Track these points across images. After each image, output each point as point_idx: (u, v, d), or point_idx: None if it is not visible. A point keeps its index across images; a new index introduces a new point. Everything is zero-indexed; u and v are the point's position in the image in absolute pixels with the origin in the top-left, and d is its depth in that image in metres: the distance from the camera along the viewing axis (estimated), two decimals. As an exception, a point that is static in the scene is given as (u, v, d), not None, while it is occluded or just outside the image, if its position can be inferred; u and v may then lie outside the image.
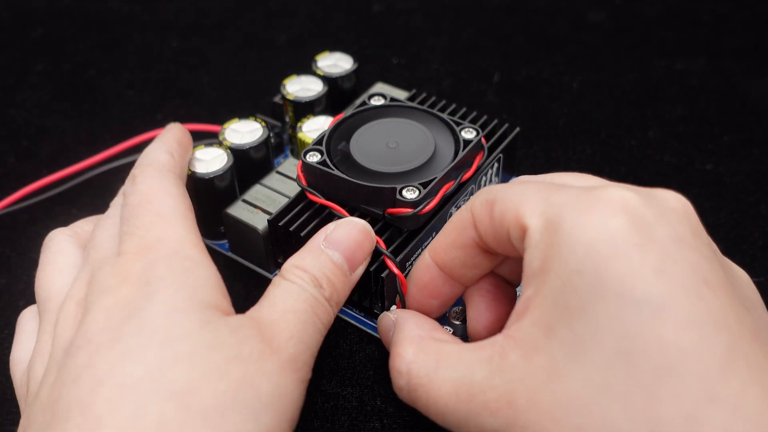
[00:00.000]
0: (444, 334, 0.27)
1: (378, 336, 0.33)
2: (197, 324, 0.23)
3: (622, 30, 0.53)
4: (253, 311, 0.26)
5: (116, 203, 0.30)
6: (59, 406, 0.22)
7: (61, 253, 0.29)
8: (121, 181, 0.41)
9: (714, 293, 0.20)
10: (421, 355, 0.25)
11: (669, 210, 0.22)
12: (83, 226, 0.31)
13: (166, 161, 0.30)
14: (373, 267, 0.30)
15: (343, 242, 0.28)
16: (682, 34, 0.52)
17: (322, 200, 0.32)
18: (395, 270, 0.30)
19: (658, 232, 0.21)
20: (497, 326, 0.28)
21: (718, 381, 0.19)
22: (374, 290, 0.31)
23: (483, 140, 0.34)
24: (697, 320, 0.20)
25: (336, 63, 0.41)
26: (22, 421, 0.25)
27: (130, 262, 0.25)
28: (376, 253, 0.30)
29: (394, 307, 0.31)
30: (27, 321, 0.29)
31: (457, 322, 0.32)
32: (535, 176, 0.28)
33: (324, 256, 0.27)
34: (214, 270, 0.26)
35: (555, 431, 0.20)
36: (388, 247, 0.31)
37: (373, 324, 0.33)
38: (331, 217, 0.32)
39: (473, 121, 0.37)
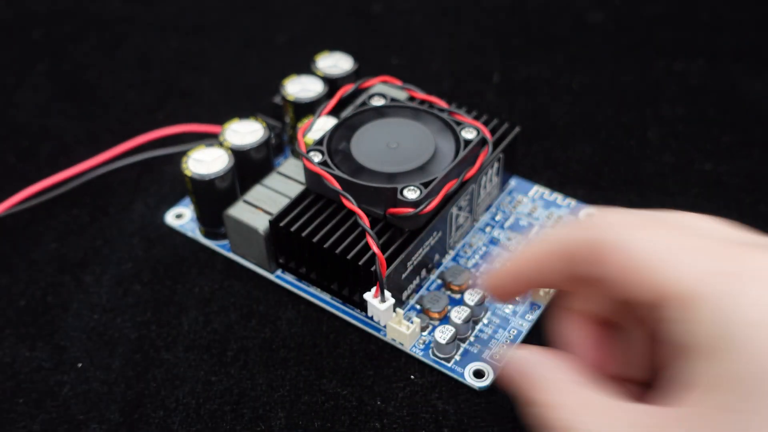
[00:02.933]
0: (587, 377, 0.23)
1: (381, 335, 0.33)
2: None
3: (622, 30, 0.53)
4: None
5: None
6: None
7: None
8: (122, 181, 0.41)
9: None
10: (565, 405, 0.22)
11: None
12: None
13: None
14: (374, 267, 0.30)
15: None
16: (682, 34, 0.52)
17: (319, 170, 0.32)
18: (375, 248, 0.29)
19: None
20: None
21: None
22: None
23: (489, 135, 0.34)
24: None
25: (336, 63, 0.41)
26: None
27: None
28: (371, 253, 0.30)
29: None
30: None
31: (459, 321, 0.32)
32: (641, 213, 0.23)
33: None
34: None
35: None
36: (388, 248, 0.31)
37: (373, 324, 0.33)
38: (330, 219, 0.32)
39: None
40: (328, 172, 0.32)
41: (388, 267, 0.31)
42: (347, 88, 0.36)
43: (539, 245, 0.24)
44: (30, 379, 0.32)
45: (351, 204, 0.31)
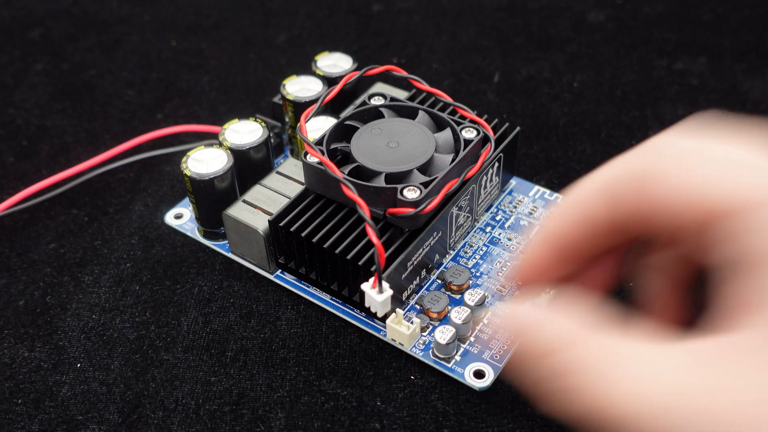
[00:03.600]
0: (609, 318, 0.21)
1: (382, 336, 0.33)
2: None
3: (622, 30, 0.53)
4: None
5: None
6: None
7: None
8: (122, 181, 0.41)
9: None
10: (592, 348, 0.19)
11: None
12: None
13: None
14: (374, 267, 0.30)
15: None
16: (682, 34, 0.52)
17: (322, 157, 0.31)
18: (374, 239, 0.29)
19: None
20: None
21: None
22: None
23: (491, 132, 0.34)
24: None
25: (336, 63, 0.41)
26: None
27: None
28: (371, 253, 0.30)
29: (386, 288, 0.30)
30: None
31: (454, 326, 0.32)
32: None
33: None
34: None
35: None
36: (388, 248, 0.31)
37: (374, 324, 0.33)
38: (330, 219, 0.32)
39: (473, 121, 0.37)
40: (327, 172, 0.32)
41: (387, 267, 0.31)
42: (352, 76, 0.35)
43: (584, 190, 0.22)
44: (29, 380, 0.32)
45: (351, 193, 0.30)
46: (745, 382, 0.17)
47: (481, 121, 0.35)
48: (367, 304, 0.31)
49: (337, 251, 0.31)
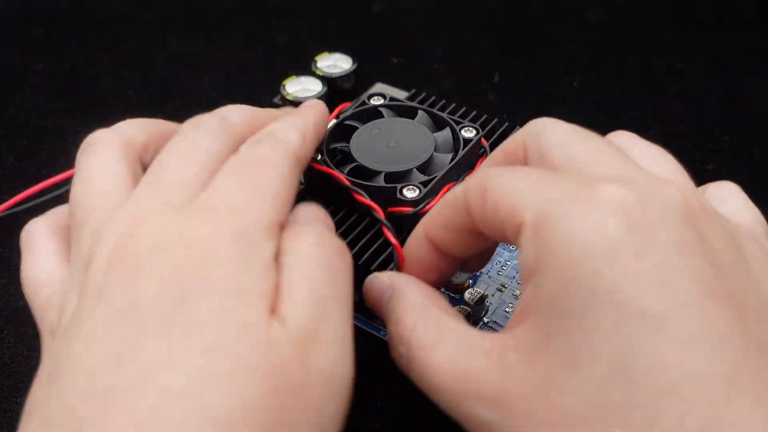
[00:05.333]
0: (447, 305, 0.25)
1: (381, 336, 0.33)
2: (237, 332, 0.20)
3: (622, 30, 0.53)
4: (281, 309, 0.22)
5: (215, 127, 0.26)
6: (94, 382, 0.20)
7: (107, 168, 0.25)
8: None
9: (719, 304, 0.19)
10: (423, 325, 0.24)
11: (672, 211, 0.20)
12: (134, 134, 0.27)
13: (295, 143, 0.26)
14: (374, 266, 0.30)
15: (310, 213, 0.26)
16: (682, 34, 0.52)
17: (326, 168, 0.32)
18: (393, 240, 0.29)
19: (659, 236, 0.20)
20: None
21: (722, 404, 0.18)
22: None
23: (484, 142, 0.34)
24: (700, 336, 0.18)
25: (335, 63, 0.41)
26: (48, 352, 0.23)
27: (197, 219, 0.22)
28: (380, 245, 0.30)
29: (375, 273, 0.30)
30: (42, 238, 0.27)
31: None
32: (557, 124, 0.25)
33: (305, 224, 0.25)
34: (272, 257, 0.22)
35: None
36: (388, 247, 0.31)
37: (373, 324, 0.33)
38: (332, 217, 0.32)
39: (473, 121, 0.37)
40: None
41: (387, 268, 0.31)
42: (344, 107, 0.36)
43: (444, 203, 0.25)
44: (28, 379, 0.32)
45: (364, 198, 0.31)
46: (518, 371, 0.21)
47: (476, 126, 0.35)
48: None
49: (336, 251, 0.31)
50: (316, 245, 0.23)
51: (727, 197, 0.25)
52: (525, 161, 0.26)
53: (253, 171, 0.24)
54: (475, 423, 0.22)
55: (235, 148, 0.26)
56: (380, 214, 0.30)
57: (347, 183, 0.31)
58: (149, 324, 0.20)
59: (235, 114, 0.27)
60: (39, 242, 0.27)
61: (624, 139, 0.26)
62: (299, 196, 0.33)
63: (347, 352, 0.23)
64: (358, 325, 0.34)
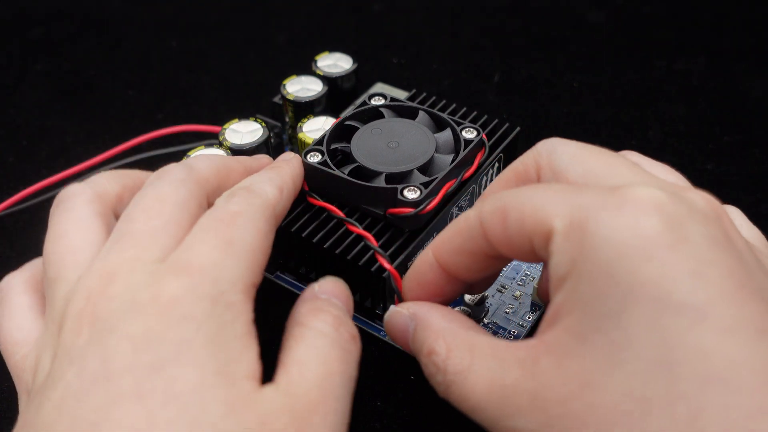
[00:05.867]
0: (472, 323, 0.25)
1: (381, 336, 0.33)
2: (223, 410, 0.20)
3: (622, 30, 0.53)
4: (283, 378, 0.22)
5: (181, 176, 0.26)
6: None
7: (79, 223, 0.25)
8: (121, 181, 0.41)
9: (752, 298, 0.19)
10: (455, 350, 0.23)
11: (698, 211, 0.21)
12: (107, 186, 0.27)
13: (272, 197, 0.27)
14: (374, 267, 0.30)
15: (335, 290, 0.26)
16: (682, 34, 0.52)
17: (321, 203, 0.32)
18: (388, 267, 0.30)
19: (691, 231, 0.20)
20: None
21: (766, 391, 0.18)
22: (375, 290, 0.31)
23: (485, 137, 0.34)
24: (740, 327, 0.19)
25: (336, 63, 0.41)
26: (23, 414, 0.23)
27: (170, 278, 0.22)
28: (371, 253, 0.30)
29: (392, 306, 0.31)
30: (19, 294, 0.26)
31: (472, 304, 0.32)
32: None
33: (327, 302, 0.25)
34: (251, 323, 0.23)
35: None
36: (389, 248, 0.31)
37: (373, 324, 0.33)
38: (330, 219, 0.32)
39: (473, 121, 0.37)
40: (329, 172, 0.32)
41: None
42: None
43: (456, 229, 0.25)
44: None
45: (357, 228, 0.31)
46: (551, 375, 0.21)
47: (476, 127, 0.34)
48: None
49: (337, 251, 0.31)
50: (333, 326, 0.24)
51: (732, 216, 0.25)
52: (538, 181, 0.26)
53: (228, 227, 0.24)
54: None
55: (203, 198, 0.26)
56: (374, 243, 0.31)
57: (341, 214, 0.32)
58: (123, 390, 0.20)
59: (202, 163, 0.27)
60: (15, 297, 0.27)
61: (631, 156, 0.26)
62: (299, 198, 0.34)
63: (343, 424, 0.23)
64: (359, 325, 0.34)
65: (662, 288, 0.19)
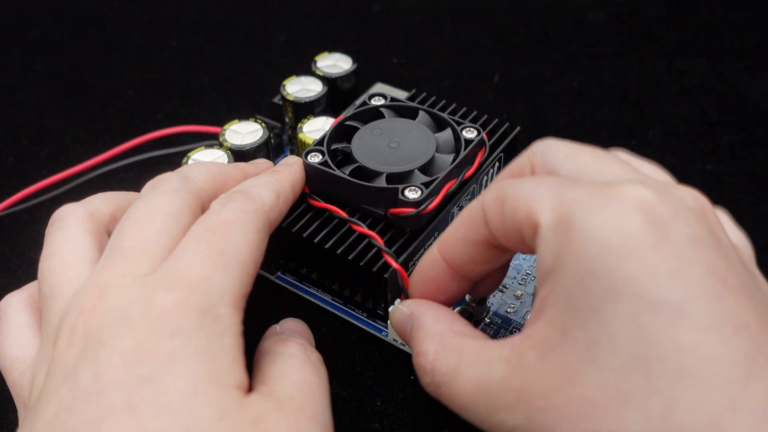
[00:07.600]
0: (464, 325, 0.26)
1: (382, 336, 0.33)
2: (216, 414, 0.21)
3: (622, 30, 0.53)
4: (265, 389, 0.24)
5: (174, 187, 0.26)
6: None
7: (72, 241, 0.26)
8: (122, 181, 0.41)
9: (733, 294, 0.19)
10: (443, 352, 0.24)
11: (685, 209, 0.21)
12: (101, 205, 0.27)
13: (268, 203, 0.27)
14: (376, 267, 0.30)
15: (296, 328, 0.29)
16: (682, 34, 0.52)
17: (322, 204, 0.32)
18: (395, 265, 0.30)
19: (673, 231, 0.20)
20: None
21: (740, 387, 0.18)
22: (377, 290, 0.31)
23: (485, 137, 0.34)
24: (716, 323, 0.19)
25: (335, 63, 0.41)
26: (21, 429, 0.23)
27: (161, 291, 0.22)
28: (377, 251, 0.30)
29: (398, 300, 0.31)
30: (17, 312, 0.27)
31: (473, 304, 0.32)
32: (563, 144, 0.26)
33: (290, 336, 0.27)
34: (239, 335, 0.23)
35: None
36: (390, 248, 0.31)
37: (374, 324, 0.33)
38: (332, 220, 0.32)
39: (473, 121, 0.37)
40: (329, 172, 0.32)
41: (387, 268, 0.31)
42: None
43: (461, 219, 0.26)
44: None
45: (362, 228, 0.31)
46: (535, 369, 0.21)
47: (477, 126, 0.34)
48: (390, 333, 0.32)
49: (338, 252, 0.31)
50: (301, 350, 0.26)
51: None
52: None
53: (220, 238, 0.24)
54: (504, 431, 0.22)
55: (198, 207, 0.26)
56: (379, 242, 0.31)
57: (344, 215, 0.32)
58: (115, 403, 0.20)
59: (198, 171, 0.27)
60: (14, 315, 0.27)
61: (621, 155, 0.27)
62: (299, 199, 0.34)
63: (330, 428, 0.24)
64: (359, 324, 0.34)
65: (641, 285, 0.19)
